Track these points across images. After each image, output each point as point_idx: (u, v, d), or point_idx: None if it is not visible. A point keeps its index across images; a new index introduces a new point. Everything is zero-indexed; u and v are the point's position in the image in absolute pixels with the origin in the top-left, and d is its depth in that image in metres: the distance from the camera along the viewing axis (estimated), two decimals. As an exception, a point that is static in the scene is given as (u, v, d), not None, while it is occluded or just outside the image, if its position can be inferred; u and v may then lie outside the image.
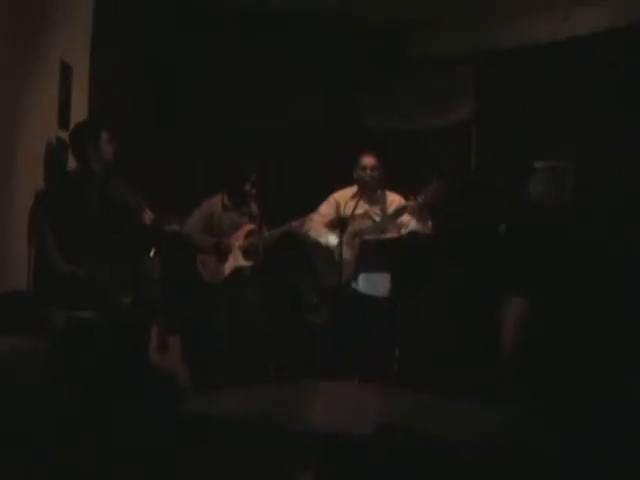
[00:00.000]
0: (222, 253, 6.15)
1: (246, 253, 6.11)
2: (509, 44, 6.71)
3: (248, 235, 6.15)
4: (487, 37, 6.83)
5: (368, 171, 5.88)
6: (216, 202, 6.26)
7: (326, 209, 6.00)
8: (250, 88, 7.27)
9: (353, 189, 5.98)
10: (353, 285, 5.77)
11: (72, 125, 5.55)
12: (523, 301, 5.33)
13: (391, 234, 5.77)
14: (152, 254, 6.29)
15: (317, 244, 5.91)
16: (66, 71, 5.69)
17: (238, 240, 6.15)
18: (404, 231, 5.73)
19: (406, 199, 5.83)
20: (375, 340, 5.76)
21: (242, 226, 6.19)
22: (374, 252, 5.67)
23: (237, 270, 6.09)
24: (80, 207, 4.96)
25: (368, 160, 5.91)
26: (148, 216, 5.31)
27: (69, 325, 4.04)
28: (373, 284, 5.76)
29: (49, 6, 5.43)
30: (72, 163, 5.70)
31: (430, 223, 5.77)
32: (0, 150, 4.73)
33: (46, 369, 3.59)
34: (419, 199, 5.65)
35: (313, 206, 6.06)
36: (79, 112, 5.91)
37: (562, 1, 6.32)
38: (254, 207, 6.22)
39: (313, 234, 5.95)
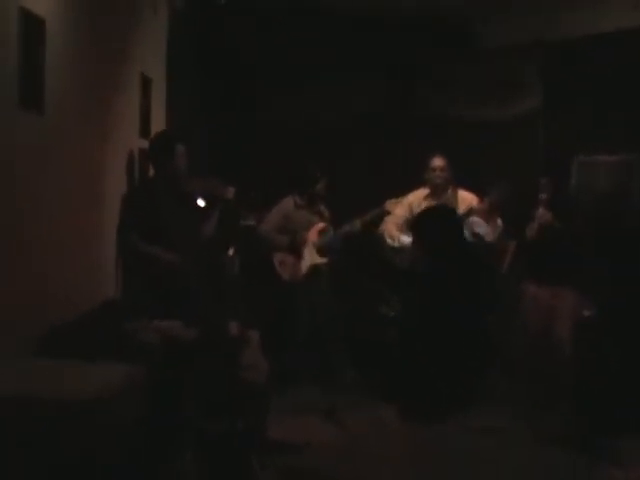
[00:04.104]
0: (296, 247, 6.39)
1: (321, 251, 6.34)
2: (576, 33, 6.70)
3: (321, 233, 6.36)
4: (553, 26, 6.82)
5: (438, 172, 6.03)
6: (289, 202, 6.47)
7: (400, 211, 6.15)
8: (317, 82, 7.40)
9: (425, 190, 6.13)
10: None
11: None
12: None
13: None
14: (231, 252, 6.56)
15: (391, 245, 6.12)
16: (146, 83, 5.93)
17: (312, 238, 6.36)
18: (476, 230, 5.87)
19: (479, 197, 5.98)
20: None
21: (314, 224, 6.40)
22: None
23: (314, 268, 6.32)
24: (160, 212, 5.08)
25: (438, 161, 6.05)
26: (230, 191, 5.51)
27: (168, 349, 4.14)
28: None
29: (128, 24, 5.65)
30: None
31: (500, 222, 5.90)
32: (90, 160, 4.90)
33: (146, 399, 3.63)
34: (486, 200, 5.80)
35: (379, 198, 6.15)
36: (158, 122, 6.17)
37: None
38: (323, 206, 6.45)
39: (387, 235, 6.13)
